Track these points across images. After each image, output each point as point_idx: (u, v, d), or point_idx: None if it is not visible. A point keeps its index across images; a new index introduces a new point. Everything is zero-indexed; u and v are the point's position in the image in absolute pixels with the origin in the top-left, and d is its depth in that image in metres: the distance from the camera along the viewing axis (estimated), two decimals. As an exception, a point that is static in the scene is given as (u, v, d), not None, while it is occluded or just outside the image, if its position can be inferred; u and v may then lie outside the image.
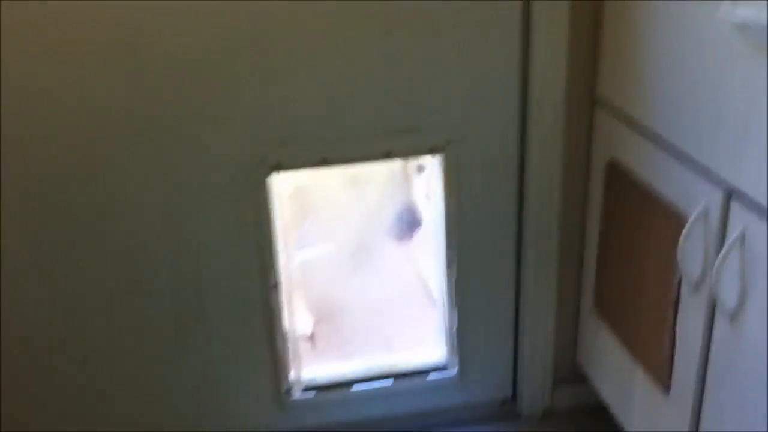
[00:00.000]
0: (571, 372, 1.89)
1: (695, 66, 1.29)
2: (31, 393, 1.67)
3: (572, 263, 1.78)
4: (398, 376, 1.84)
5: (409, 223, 2.00)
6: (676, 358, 1.44)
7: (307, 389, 1.82)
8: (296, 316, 1.78)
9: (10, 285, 1.58)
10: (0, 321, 1.60)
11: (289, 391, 1.79)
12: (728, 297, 1.25)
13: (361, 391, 1.83)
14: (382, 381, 1.84)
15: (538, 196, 1.70)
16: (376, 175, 1.90)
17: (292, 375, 1.79)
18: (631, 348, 1.60)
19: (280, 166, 1.61)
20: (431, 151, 1.65)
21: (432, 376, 1.85)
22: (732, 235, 1.22)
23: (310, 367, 1.83)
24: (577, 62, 1.60)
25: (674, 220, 1.35)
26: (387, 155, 1.64)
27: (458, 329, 1.81)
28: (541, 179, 1.68)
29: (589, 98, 1.64)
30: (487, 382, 1.90)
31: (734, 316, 1.25)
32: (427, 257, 1.84)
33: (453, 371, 1.86)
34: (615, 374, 1.69)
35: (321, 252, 1.98)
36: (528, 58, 1.60)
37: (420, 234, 1.98)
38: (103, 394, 1.71)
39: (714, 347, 1.33)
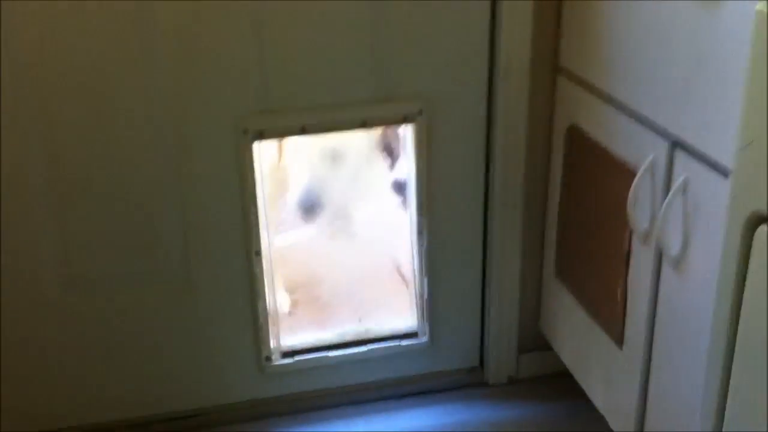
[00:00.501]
0: (535, 340, 1.99)
1: (644, 28, 1.40)
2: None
3: (536, 230, 1.89)
4: (372, 341, 1.93)
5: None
6: (627, 310, 1.54)
7: (285, 355, 1.90)
8: (276, 287, 1.87)
9: (24, 219, 1.66)
10: (6, 257, 1.67)
11: (269, 357, 1.87)
12: (673, 244, 1.36)
13: (337, 356, 1.91)
14: (356, 347, 1.93)
15: (504, 164, 1.80)
16: (354, 149, 1.99)
17: (272, 342, 1.88)
18: (588, 308, 1.70)
19: (262, 135, 1.71)
20: (404, 120, 1.76)
21: (404, 343, 1.95)
22: (676, 184, 1.33)
23: (289, 336, 1.92)
24: (542, 34, 1.72)
25: (626, 176, 1.46)
26: (363, 124, 1.74)
27: (429, 297, 1.91)
28: (507, 147, 1.79)
29: (552, 68, 1.76)
30: (456, 350, 1.99)
31: (678, 262, 1.36)
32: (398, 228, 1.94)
33: (424, 339, 1.95)
34: (575, 337, 1.79)
35: (299, 236, 2.07)
36: (495, 30, 1.71)
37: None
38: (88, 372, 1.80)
39: (661, 296, 1.43)
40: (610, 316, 1.59)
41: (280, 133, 1.73)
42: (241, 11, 1.61)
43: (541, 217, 1.88)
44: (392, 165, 2.01)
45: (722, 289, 0.99)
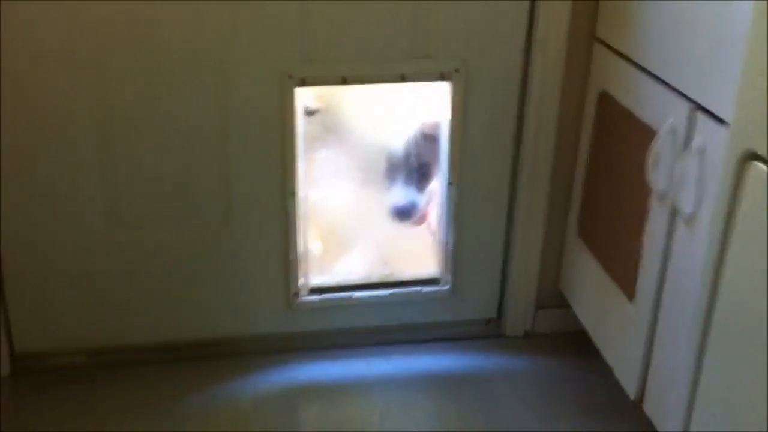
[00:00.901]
0: (554, 298, 2.07)
1: (676, 4, 1.48)
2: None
3: (562, 191, 1.97)
4: (395, 284, 2.03)
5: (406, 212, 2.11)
6: (641, 265, 1.62)
7: (312, 293, 2.01)
8: (308, 228, 1.97)
9: (72, 157, 1.77)
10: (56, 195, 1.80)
11: (297, 293, 1.98)
12: (687, 203, 1.43)
13: (361, 297, 2.01)
14: (380, 290, 2.03)
15: (536, 126, 1.88)
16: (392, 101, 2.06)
17: (300, 280, 1.98)
18: (605, 264, 1.78)
19: (304, 81, 1.80)
20: (441, 77, 1.84)
21: (426, 289, 2.04)
22: (694, 144, 1.40)
23: (317, 275, 2.02)
24: (581, 5, 1.81)
25: (650, 138, 1.54)
26: (401, 78, 1.83)
27: (453, 247, 2.00)
28: (539, 111, 1.87)
29: (588, 38, 1.84)
30: (475, 300, 2.08)
31: (690, 220, 1.44)
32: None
33: (446, 287, 2.05)
34: (592, 295, 1.87)
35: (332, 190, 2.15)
36: (536, 1, 1.80)
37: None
38: (124, 303, 1.91)
39: (673, 251, 1.51)
40: (625, 271, 1.67)
41: (322, 81, 1.82)
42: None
43: (568, 178, 1.96)
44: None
45: (716, 217, 1.08)
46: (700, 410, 1.22)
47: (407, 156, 2.03)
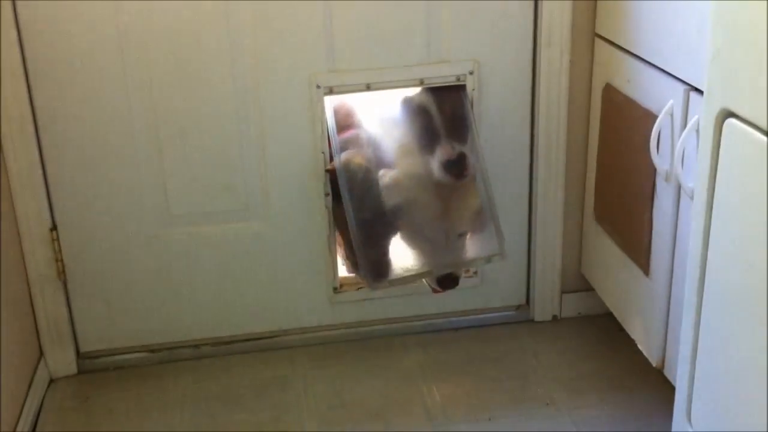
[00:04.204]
0: (577, 282, 2.19)
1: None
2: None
3: (577, 179, 2.09)
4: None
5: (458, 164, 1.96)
6: (653, 240, 1.74)
7: (351, 287, 2.14)
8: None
9: (129, 163, 1.94)
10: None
11: (336, 288, 2.12)
12: (688, 178, 1.55)
13: (394, 289, 2.14)
14: (414, 282, 2.16)
15: (547, 120, 2.02)
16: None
17: (340, 274, 2.12)
18: (621, 244, 1.90)
19: (332, 90, 1.96)
20: (457, 79, 1.98)
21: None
22: (691, 122, 1.52)
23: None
24: (580, 4, 1.95)
25: (652, 122, 1.66)
26: (420, 82, 1.97)
27: (480, 239, 2.13)
28: (550, 105, 2.01)
29: (590, 34, 1.98)
30: (504, 288, 2.21)
31: (694, 194, 1.55)
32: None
33: (476, 277, 2.18)
34: (612, 274, 1.99)
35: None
36: (539, 1, 1.95)
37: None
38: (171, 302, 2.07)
39: (680, 224, 1.63)
40: (639, 248, 1.79)
41: (348, 89, 1.98)
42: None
43: (582, 166, 2.08)
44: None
45: (701, 171, 1.21)
46: (701, 370, 1.33)
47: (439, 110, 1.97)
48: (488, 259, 2.00)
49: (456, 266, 1.98)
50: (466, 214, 1.99)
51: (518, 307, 2.24)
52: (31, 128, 1.87)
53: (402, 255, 2.00)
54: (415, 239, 1.98)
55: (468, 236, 2.02)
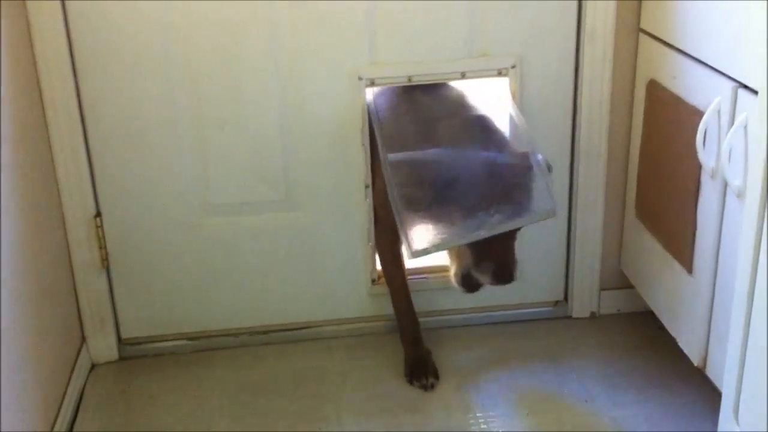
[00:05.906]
0: (617, 279, 2.18)
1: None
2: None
3: (618, 175, 2.07)
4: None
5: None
6: (697, 238, 1.72)
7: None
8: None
9: (172, 154, 1.96)
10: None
11: (374, 280, 2.13)
12: (735, 176, 1.53)
13: (436, 281, 2.14)
14: (451, 275, 2.16)
15: (590, 115, 2.00)
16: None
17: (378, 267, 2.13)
18: (663, 241, 1.88)
19: (373, 83, 1.96)
20: (499, 73, 1.97)
21: (496, 276, 2.16)
22: (738, 120, 1.50)
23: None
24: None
25: (698, 119, 1.64)
26: (462, 76, 1.97)
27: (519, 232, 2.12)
28: (592, 101, 1.99)
29: (634, 29, 1.95)
30: (542, 284, 2.20)
31: (740, 192, 1.53)
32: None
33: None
34: (653, 273, 1.97)
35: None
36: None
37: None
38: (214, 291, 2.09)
39: (725, 223, 1.61)
40: (682, 246, 1.77)
41: (390, 81, 1.98)
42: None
43: (624, 163, 2.06)
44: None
45: (754, 171, 1.18)
46: (749, 370, 1.32)
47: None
48: (542, 215, 1.82)
49: (505, 226, 1.78)
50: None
51: (556, 303, 2.23)
52: (77, 117, 1.90)
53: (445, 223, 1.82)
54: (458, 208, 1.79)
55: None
